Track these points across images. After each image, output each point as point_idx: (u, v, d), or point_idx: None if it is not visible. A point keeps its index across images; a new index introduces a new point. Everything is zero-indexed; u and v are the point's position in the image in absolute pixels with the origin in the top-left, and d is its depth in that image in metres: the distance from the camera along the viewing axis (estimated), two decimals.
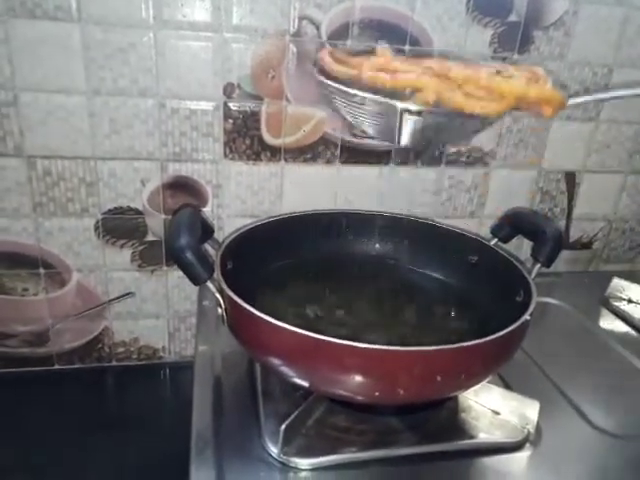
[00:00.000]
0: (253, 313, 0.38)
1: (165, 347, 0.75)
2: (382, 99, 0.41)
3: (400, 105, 0.40)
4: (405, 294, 0.56)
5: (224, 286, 0.41)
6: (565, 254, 0.82)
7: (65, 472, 0.61)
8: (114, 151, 0.63)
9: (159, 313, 0.73)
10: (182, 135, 0.64)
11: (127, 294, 0.71)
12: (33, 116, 0.60)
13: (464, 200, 0.75)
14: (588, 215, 0.82)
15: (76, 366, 0.74)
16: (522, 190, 0.78)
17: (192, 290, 0.72)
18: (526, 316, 0.41)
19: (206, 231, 0.49)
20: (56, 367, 0.73)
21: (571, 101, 0.44)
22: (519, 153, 0.75)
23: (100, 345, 0.73)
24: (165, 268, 0.71)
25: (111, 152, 0.63)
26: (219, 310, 0.42)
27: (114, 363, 0.75)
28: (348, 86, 0.44)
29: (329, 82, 0.46)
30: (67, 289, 0.69)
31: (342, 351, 0.35)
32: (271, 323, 0.37)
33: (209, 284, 0.42)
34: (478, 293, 0.54)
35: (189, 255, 0.40)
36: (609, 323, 0.67)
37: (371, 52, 0.47)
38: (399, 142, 0.42)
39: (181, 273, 0.68)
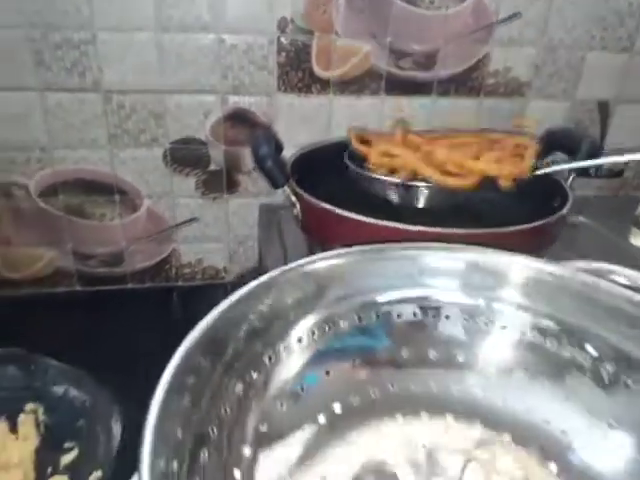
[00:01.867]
0: (329, 208, 0.44)
1: (226, 268, 0.83)
2: None
3: None
4: (450, 209, 0.61)
5: (299, 190, 0.48)
6: (595, 182, 0.87)
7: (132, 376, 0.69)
8: (180, 84, 0.69)
9: (220, 237, 0.81)
10: (240, 69, 0.70)
11: (192, 219, 0.79)
12: (109, 53, 0.66)
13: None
14: (620, 145, 0.86)
15: (147, 285, 0.82)
16: (555, 120, 0.82)
17: (250, 216, 0.79)
18: (564, 211, 0.47)
19: (278, 148, 0.55)
20: (129, 286, 0.82)
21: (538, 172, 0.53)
22: (554, 84, 0.79)
23: (168, 266, 0.81)
24: (226, 196, 0.78)
25: (177, 85, 0.69)
26: (294, 211, 0.49)
27: (180, 283, 0.83)
28: None
29: None
30: (139, 214, 0.77)
31: (415, 236, 0.41)
32: (346, 216, 0.44)
33: (286, 188, 0.48)
34: (515, 208, 0.59)
35: (270, 163, 0.47)
36: None
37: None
38: None
39: (241, 200, 0.75)
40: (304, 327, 0.31)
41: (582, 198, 0.80)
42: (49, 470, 0.51)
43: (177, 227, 0.78)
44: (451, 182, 0.49)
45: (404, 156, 0.51)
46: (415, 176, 0.51)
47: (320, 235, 0.49)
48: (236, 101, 0.72)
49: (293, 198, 0.49)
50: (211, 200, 0.78)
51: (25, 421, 0.53)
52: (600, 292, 0.30)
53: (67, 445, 0.52)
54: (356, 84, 0.73)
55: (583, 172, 0.55)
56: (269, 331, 0.30)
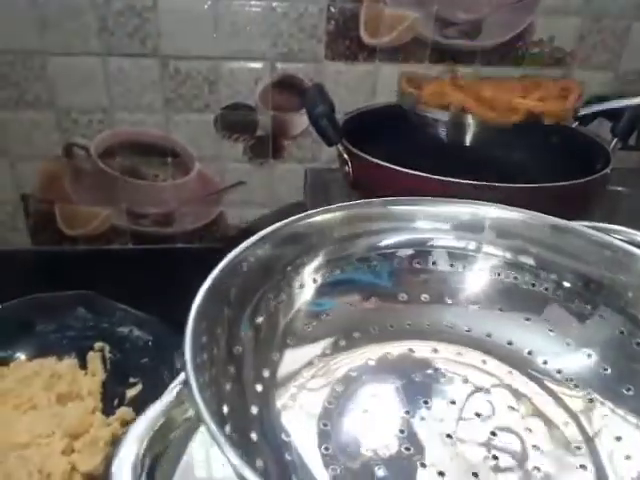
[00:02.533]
0: (381, 164, 0.47)
1: None
2: None
3: None
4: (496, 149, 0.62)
5: (352, 147, 0.51)
6: (637, 155, 0.87)
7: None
8: (233, 51, 0.72)
9: (265, 202, 0.84)
10: (290, 36, 0.73)
11: (239, 183, 0.82)
12: (168, 21, 0.69)
13: None
14: None
15: (195, 245, 0.87)
16: (598, 91, 0.82)
17: (294, 181, 0.82)
18: (607, 170, 0.48)
19: (331, 106, 0.58)
20: (178, 245, 0.86)
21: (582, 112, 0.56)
22: (598, 54, 0.79)
23: (216, 228, 0.85)
24: (271, 161, 0.81)
25: (230, 52, 0.72)
26: (346, 169, 0.52)
27: (226, 245, 0.87)
28: None
29: None
30: (190, 176, 0.81)
31: (467, 189, 0.44)
32: (398, 170, 0.46)
33: (339, 146, 0.51)
34: (560, 170, 0.61)
35: (325, 121, 0.50)
36: None
37: None
38: None
39: (286, 166, 0.79)
40: (319, 261, 0.36)
41: (623, 169, 0.81)
42: (115, 402, 0.56)
43: (225, 190, 0.82)
44: (497, 118, 0.52)
45: (453, 94, 0.54)
46: (464, 112, 0.54)
47: (371, 191, 0.52)
48: (284, 68, 0.75)
49: (345, 156, 0.52)
50: (258, 165, 0.81)
51: (93, 358, 0.58)
52: (570, 232, 0.34)
53: (132, 380, 0.57)
54: (402, 52, 0.75)
55: (624, 143, 0.56)
56: (287, 266, 0.35)
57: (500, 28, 0.75)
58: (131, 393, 0.56)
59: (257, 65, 0.74)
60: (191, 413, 0.25)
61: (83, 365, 0.58)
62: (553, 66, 0.79)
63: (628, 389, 0.32)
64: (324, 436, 0.31)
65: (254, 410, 0.30)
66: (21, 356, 0.57)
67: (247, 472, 0.20)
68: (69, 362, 0.56)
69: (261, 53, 0.73)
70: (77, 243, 0.84)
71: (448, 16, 0.74)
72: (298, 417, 0.32)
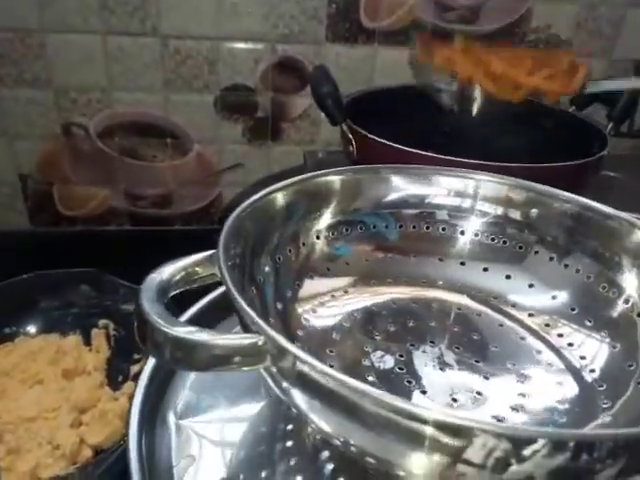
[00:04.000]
0: (386, 143, 0.48)
1: None
2: None
3: None
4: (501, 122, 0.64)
5: (357, 127, 0.51)
6: (629, 142, 0.89)
7: None
8: (234, 32, 0.72)
9: (263, 183, 0.85)
10: (291, 18, 0.73)
11: (237, 164, 0.83)
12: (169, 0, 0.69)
13: None
14: None
15: (193, 227, 0.87)
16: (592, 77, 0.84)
17: (292, 164, 0.83)
18: (604, 152, 0.50)
19: (335, 86, 0.58)
20: (176, 227, 0.87)
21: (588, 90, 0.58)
22: (594, 41, 0.81)
23: (213, 209, 0.86)
24: (270, 143, 0.82)
25: (231, 33, 0.72)
26: (350, 148, 0.53)
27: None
28: None
29: None
30: (189, 158, 0.81)
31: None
32: (403, 149, 0.47)
33: (343, 125, 0.52)
34: (556, 153, 0.62)
35: (330, 101, 0.50)
36: None
37: None
38: None
39: (284, 148, 0.79)
40: (333, 214, 0.39)
41: (617, 156, 0.83)
42: (120, 378, 0.57)
43: (223, 172, 0.83)
44: (502, 94, 0.53)
45: (463, 64, 0.55)
46: (471, 83, 0.55)
47: None
48: (285, 49, 0.75)
49: (350, 135, 0.53)
50: (256, 147, 0.81)
51: (97, 335, 0.59)
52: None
53: (136, 357, 0.57)
54: (401, 35, 0.75)
55: (621, 120, 0.57)
56: (306, 216, 0.37)
57: (498, 14, 0.76)
58: (135, 369, 0.57)
59: (258, 46, 0.74)
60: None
61: (87, 342, 0.59)
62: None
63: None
64: (331, 343, 0.34)
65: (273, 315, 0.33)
66: (26, 332, 0.57)
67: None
68: (74, 338, 0.57)
69: (262, 34, 0.73)
70: (75, 224, 0.84)
71: (447, 1, 0.74)
72: (312, 325, 0.35)
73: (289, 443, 0.32)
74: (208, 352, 0.23)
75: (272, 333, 0.22)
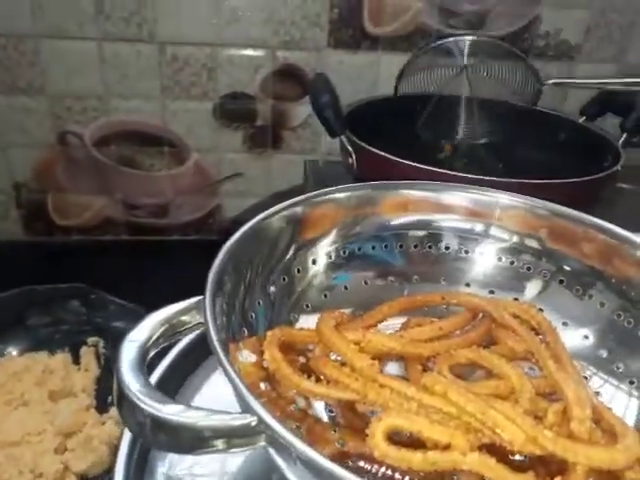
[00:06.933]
0: (386, 156, 0.46)
1: None
2: None
3: None
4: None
5: (356, 138, 0.49)
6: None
7: None
8: (233, 39, 0.70)
9: (263, 193, 0.83)
10: (292, 24, 0.71)
11: (236, 174, 0.81)
12: (166, 5, 0.67)
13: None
14: None
15: (191, 238, 0.85)
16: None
17: (292, 173, 0.81)
18: (617, 166, 0.47)
19: (335, 97, 0.56)
20: (174, 237, 0.85)
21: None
22: (604, 48, 0.78)
23: (212, 220, 0.84)
24: (270, 151, 0.79)
25: (230, 40, 0.70)
26: (349, 160, 0.51)
27: (223, 237, 0.85)
28: None
29: None
30: (186, 167, 0.79)
31: (474, 184, 0.42)
32: (402, 162, 0.45)
33: (343, 137, 0.50)
34: (568, 166, 0.59)
35: (329, 111, 0.48)
36: None
37: None
38: None
39: (284, 156, 0.77)
40: (332, 239, 0.36)
41: (630, 167, 0.80)
42: (109, 399, 0.54)
43: (222, 181, 0.80)
44: None
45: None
46: None
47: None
48: (286, 56, 0.73)
49: (349, 148, 0.50)
50: (256, 155, 0.79)
51: (87, 353, 0.57)
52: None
53: None
54: (405, 42, 0.73)
55: (634, 131, 0.55)
56: (303, 242, 0.35)
57: (506, 19, 0.74)
58: None
59: (258, 53, 0.72)
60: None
61: (76, 360, 0.57)
62: (558, 59, 0.77)
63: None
64: None
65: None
66: (12, 350, 0.55)
67: None
68: (62, 357, 0.55)
69: (262, 40, 0.71)
70: (70, 234, 0.82)
71: (453, 6, 0.72)
72: None
73: None
74: (196, 434, 0.20)
75: (269, 420, 0.19)
